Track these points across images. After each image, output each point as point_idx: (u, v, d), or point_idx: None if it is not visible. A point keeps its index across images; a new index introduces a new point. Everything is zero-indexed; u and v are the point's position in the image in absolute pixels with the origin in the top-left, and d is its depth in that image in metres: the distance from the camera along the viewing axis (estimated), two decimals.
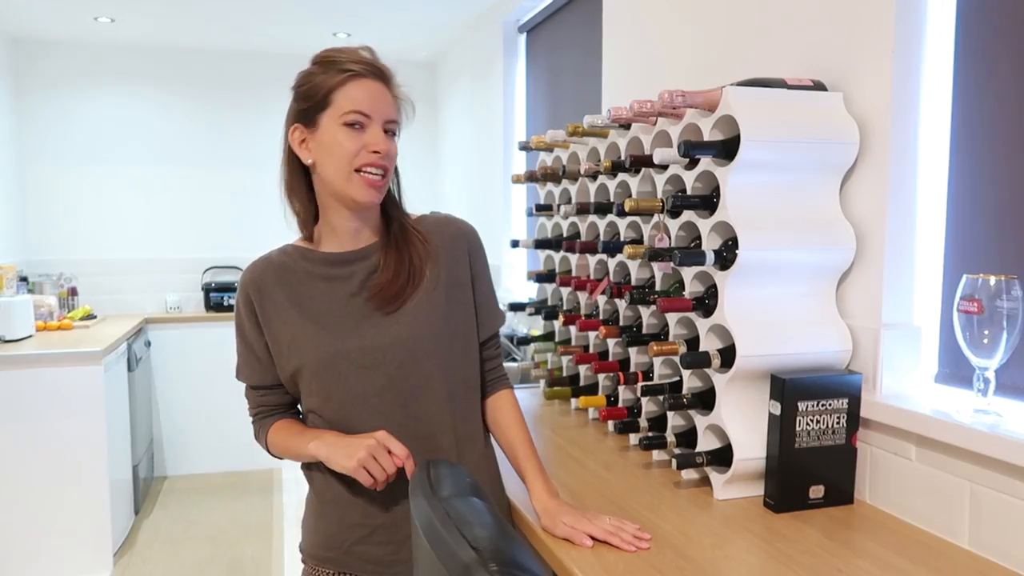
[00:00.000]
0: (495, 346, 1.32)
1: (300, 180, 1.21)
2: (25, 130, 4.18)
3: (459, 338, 1.23)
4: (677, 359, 1.39)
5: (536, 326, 2.55)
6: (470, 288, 1.26)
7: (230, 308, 4.20)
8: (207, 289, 4.24)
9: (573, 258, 1.86)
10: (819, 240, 1.27)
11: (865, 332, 1.26)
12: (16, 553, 3.01)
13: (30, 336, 3.36)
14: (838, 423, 1.23)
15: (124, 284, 4.24)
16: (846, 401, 1.23)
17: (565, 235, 1.90)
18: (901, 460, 1.20)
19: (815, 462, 1.22)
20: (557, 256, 1.95)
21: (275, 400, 1.26)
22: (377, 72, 1.17)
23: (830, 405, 1.22)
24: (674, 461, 1.27)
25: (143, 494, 3.83)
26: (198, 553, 3.31)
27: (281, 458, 1.27)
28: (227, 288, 4.25)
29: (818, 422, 1.22)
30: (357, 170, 1.14)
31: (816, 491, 1.23)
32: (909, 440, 1.19)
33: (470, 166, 3.96)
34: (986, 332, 1.09)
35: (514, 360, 2.61)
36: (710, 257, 1.25)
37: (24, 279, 3.86)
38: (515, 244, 2.06)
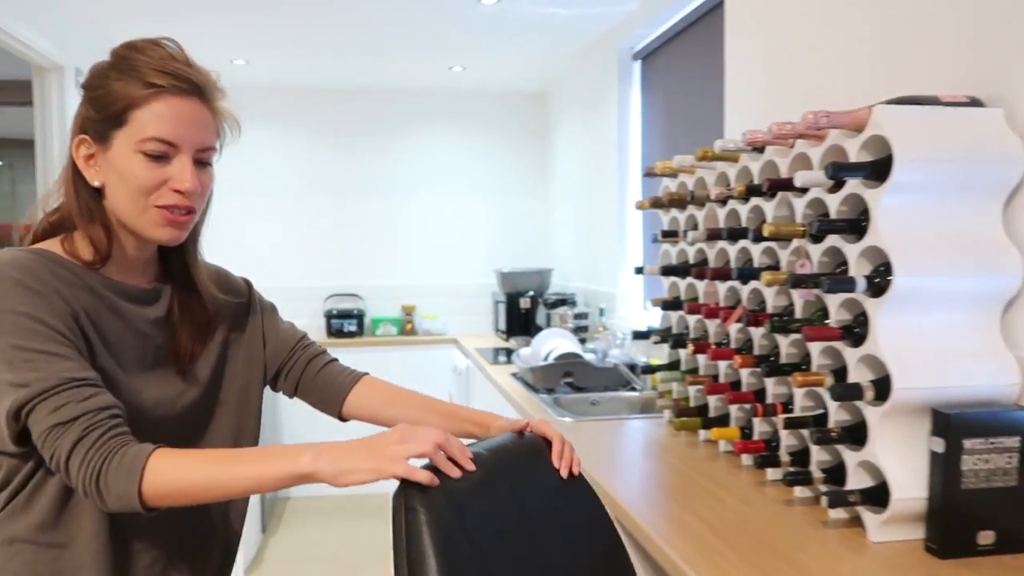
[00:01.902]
0: (310, 344, 1.23)
1: (87, 196, 0.97)
2: None
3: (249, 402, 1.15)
4: (823, 391, 1.33)
5: (656, 354, 2.50)
6: (261, 354, 1.17)
7: (350, 334, 4.35)
8: (328, 316, 4.41)
9: (700, 285, 1.82)
10: (980, 265, 1.19)
11: None
12: None
13: None
14: (1009, 463, 1.13)
15: None
16: (1019, 440, 1.13)
17: (692, 262, 1.86)
18: None
19: (984, 505, 1.13)
20: (683, 283, 1.91)
21: (112, 400, 0.90)
22: (191, 87, 0.96)
23: (1001, 443, 1.13)
24: (824, 499, 1.20)
25: (269, 513, 3.99)
26: (322, 574, 3.41)
27: (156, 505, 0.87)
28: (347, 315, 4.40)
29: (987, 462, 1.13)
30: (156, 206, 0.95)
31: (986, 537, 1.14)
32: None
33: (582, 194, 3.96)
34: None
35: (633, 389, 2.57)
36: (861, 284, 1.18)
37: None
38: (639, 271, 2.04)
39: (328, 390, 1.20)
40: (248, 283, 1.21)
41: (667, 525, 1.27)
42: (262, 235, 4.52)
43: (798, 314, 1.42)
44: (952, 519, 1.13)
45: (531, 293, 3.97)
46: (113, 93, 0.93)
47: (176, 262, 1.08)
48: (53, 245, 0.98)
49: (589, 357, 2.68)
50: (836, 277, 1.19)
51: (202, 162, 0.99)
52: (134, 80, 0.92)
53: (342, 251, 4.59)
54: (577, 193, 4.07)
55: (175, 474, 0.85)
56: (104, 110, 0.94)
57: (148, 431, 0.92)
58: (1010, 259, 1.19)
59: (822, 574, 1.08)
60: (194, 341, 1.06)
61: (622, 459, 1.70)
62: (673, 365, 1.97)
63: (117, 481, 0.84)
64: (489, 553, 0.91)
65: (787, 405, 1.46)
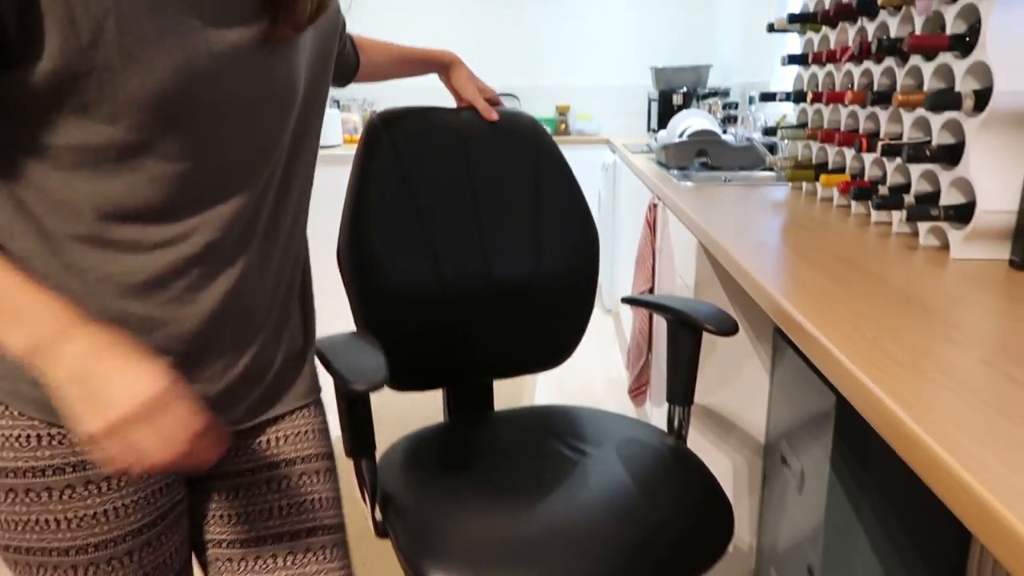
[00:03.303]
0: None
1: None
2: None
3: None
4: (927, 115, 1.26)
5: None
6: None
7: None
8: None
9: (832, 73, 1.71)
10: None
11: None
12: None
13: (338, 144, 3.98)
14: None
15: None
16: None
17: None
18: None
19: None
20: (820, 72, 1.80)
21: None
22: None
23: None
24: (905, 212, 1.18)
25: None
26: None
27: None
28: None
29: None
30: None
31: None
32: None
33: None
34: None
35: (769, 170, 2.50)
36: None
37: (336, 101, 4.44)
38: (788, 60, 1.92)
39: (342, 68, 1.15)
40: None
41: (752, 251, 1.30)
42: (418, 34, 4.62)
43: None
44: None
45: (684, 89, 3.84)
46: None
47: None
48: None
49: (727, 138, 2.61)
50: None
51: None
52: None
53: (496, 50, 4.61)
54: None
55: None
56: None
57: (205, 89, 0.69)
58: None
59: (900, 281, 1.08)
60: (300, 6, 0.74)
61: (733, 214, 1.72)
62: (799, 126, 1.90)
63: None
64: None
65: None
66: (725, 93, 3.55)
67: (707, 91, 3.61)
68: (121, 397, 0.59)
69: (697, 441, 1.75)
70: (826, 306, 0.93)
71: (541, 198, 1.38)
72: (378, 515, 1.12)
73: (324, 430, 0.95)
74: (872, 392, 0.68)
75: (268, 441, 0.89)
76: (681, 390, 1.29)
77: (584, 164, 4.36)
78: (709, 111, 3.26)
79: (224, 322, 0.78)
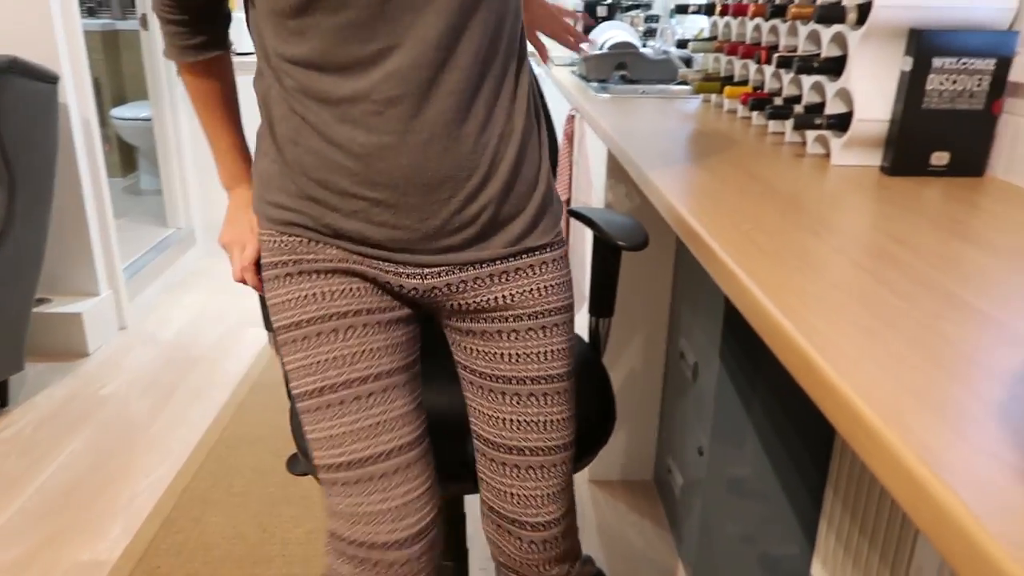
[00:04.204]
0: None
1: None
2: None
3: None
4: (816, 26, 1.33)
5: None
6: None
7: None
8: None
9: None
10: None
11: None
12: None
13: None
14: (978, 86, 1.15)
15: None
16: (993, 62, 1.13)
17: None
18: None
19: (944, 126, 1.17)
20: None
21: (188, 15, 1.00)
22: None
23: (971, 64, 1.14)
24: (792, 122, 1.26)
25: None
26: None
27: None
28: None
29: (954, 82, 1.14)
30: None
31: (939, 158, 1.19)
32: None
33: None
34: None
35: (685, 83, 2.56)
36: None
37: None
38: None
39: None
40: None
41: (655, 159, 1.37)
42: None
43: None
44: (909, 139, 1.17)
45: (609, 1, 3.83)
46: None
47: None
48: None
49: (646, 51, 2.65)
50: None
51: None
52: None
53: None
54: None
55: (191, 97, 1.05)
56: None
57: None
58: None
59: (781, 184, 1.16)
60: None
61: (642, 122, 1.77)
62: (710, 39, 1.96)
63: (169, 56, 1.03)
64: None
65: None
66: (647, 5, 3.56)
67: (630, 3, 3.61)
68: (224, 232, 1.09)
69: (611, 348, 1.86)
70: (710, 206, 1.00)
71: None
72: None
73: (560, 284, 1.01)
74: (736, 275, 0.77)
75: (503, 295, 0.98)
76: (603, 303, 1.36)
77: None
78: (631, 23, 3.28)
79: (421, 168, 0.87)
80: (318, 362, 0.93)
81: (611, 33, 2.69)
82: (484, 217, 0.92)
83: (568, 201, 2.35)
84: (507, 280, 0.97)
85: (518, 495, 1.01)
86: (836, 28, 1.27)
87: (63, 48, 2.44)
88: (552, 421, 1.00)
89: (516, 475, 1.01)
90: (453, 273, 0.95)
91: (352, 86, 0.84)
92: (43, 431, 2.20)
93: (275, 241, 0.97)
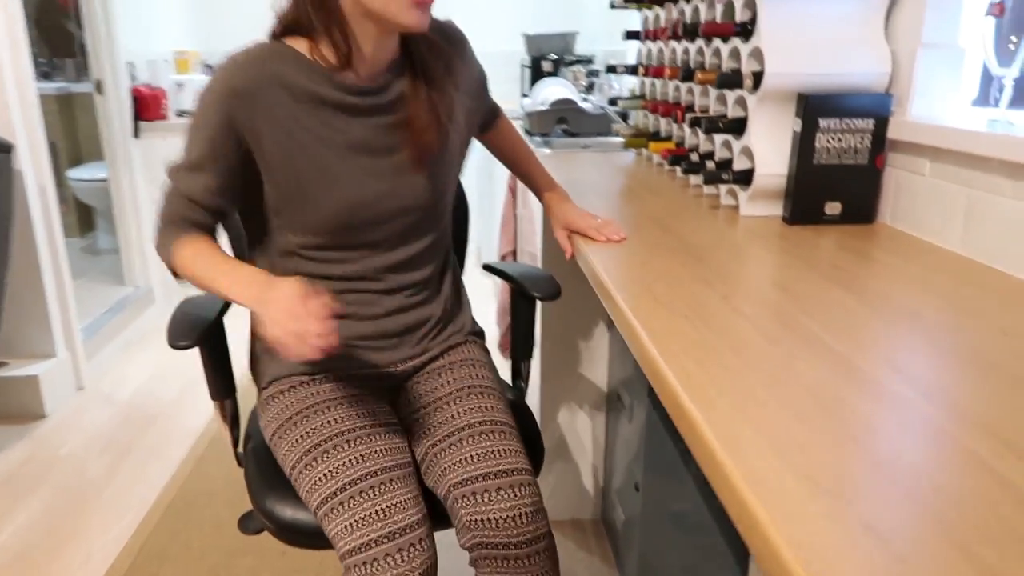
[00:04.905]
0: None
1: None
2: None
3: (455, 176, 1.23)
4: (725, 91, 1.46)
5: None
6: (480, 102, 1.26)
7: None
8: None
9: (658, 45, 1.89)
10: None
11: (905, 54, 1.27)
12: None
13: None
14: (861, 143, 1.27)
15: None
16: (872, 121, 1.27)
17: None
18: (917, 177, 1.25)
19: (834, 179, 1.29)
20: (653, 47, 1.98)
21: (203, 220, 1.08)
22: None
23: (854, 124, 1.27)
24: (702, 177, 1.38)
25: None
26: None
27: (179, 279, 1.10)
28: None
29: (839, 140, 1.27)
30: None
31: (832, 207, 1.31)
32: (924, 155, 1.23)
33: None
34: (1012, 38, 1.08)
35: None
36: None
37: (209, 66, 4.35)
38: (613, 6, 2.10)
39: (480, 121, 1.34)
40: (460, 31, 1.23)
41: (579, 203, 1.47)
42: None
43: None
44: (803, 191, 1.30)
45: (553, 56, 4.01)
46: None
47: (412, 49, 1.11)
48: (301, 44, 1.06)
49: (586, 106, 2.80)
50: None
51: None
52: None
53: None
54: None
55: (184, 266, 1.05)
56: None
57: (383, 221, 1.12)
58: None
59: (691, 236, 1.27)
60: (426, 136, 1.10)
61: (576, 176, 1.89)
62: (637, 97, 2.09)
63: (161, 254, 1.08)
64: None
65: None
66: (589, 60, 3.74)
67: (573, 58, 3.78)
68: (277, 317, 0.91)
69: (554, 394, 1.94)
70: (624, 260, 1.10)
71: None
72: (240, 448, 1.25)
73: (482, 362, 1.28)
74: (631, 323, 0.86)
75: (437, 369, 1.25)
76: (520, 345, 1.45)
77: None
78: (574, 78, 3.44)
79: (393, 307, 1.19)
80: (312, 429, 1.10)
81: (552, 90, 2.83)
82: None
83: (514, 252, 2.45)
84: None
85: (480, 453, 1.11)
86: (739, 92, 1.39)
87: (17, 116, 2.50)
88: (491, 406, 1.19)
89: (471, 441, 1.12)
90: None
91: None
92: None
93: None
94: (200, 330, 1.16)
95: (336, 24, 1.01)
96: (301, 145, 1.05)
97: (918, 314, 0.89)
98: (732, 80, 1.33)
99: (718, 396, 0.67)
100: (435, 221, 1.20)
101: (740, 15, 1.38)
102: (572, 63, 3.70)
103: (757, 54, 1.32)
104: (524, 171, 1.39)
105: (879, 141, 1.27)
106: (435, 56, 1.14)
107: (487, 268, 1.46)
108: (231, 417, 1.25)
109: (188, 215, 1.06)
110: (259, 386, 1.22)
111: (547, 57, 4.00)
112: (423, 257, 1.21)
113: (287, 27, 1.06)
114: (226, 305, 1.27)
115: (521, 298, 1.38)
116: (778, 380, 0.70)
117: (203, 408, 2.75)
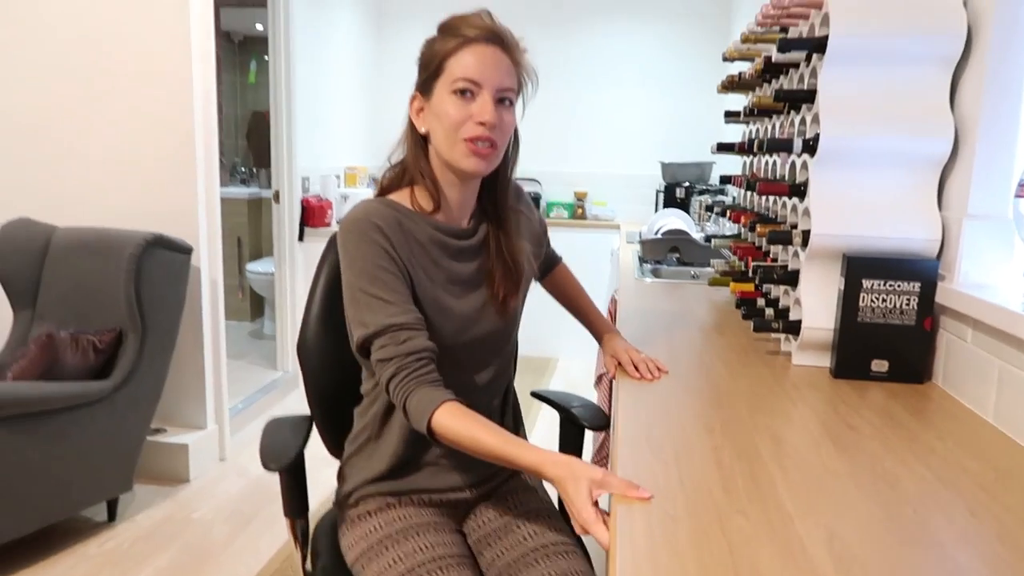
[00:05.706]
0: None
1: (420, 150, 1.20)
2: (382, 56, 5.16)
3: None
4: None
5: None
6: (541, 248, 1.44)
7: None
8: None
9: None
10: (915, 129, 1.31)
11: (954, 223, 1.29)
12: None
13: None
14: (907, 304, 1.30)
15: None
16: (918, 285, 1.29)
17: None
18: (960, 343, 1.25)
19: (879, 338, 1.31)
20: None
21: (423, 344, 1.11)
22: (493, 37, 1.13)
23: (899, 287, 1.30)
24: (752, 323, 1.44)
25: None
26: None
27: (438, 440, 1.09)
28: None
29: (884, 300, 1.30)
30: (464, 139, 1.12)
31: (879, 364, 1.32)
32: (966, 323, 1.23)
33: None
34: None
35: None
36: (797, 144, 1.37)
37: (375, 179, 4.89)
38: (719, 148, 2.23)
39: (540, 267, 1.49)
40: (522, 189, 1.38)
41: (642, 346, 1.58)
42: None
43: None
44: (848, 347, 1.33)
45: (687, 184, 4.15)
46: (434, 52, 1.14)
47: (489, 202, 1.27)
48: (402, 196, 1.22)
49: (698, 236, 2.89)
50: (775, 140, 1.39)
51: (503, 100, 1.14)
52: (450, 37, 1.13)
53: (523, 138, 5.00)
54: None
55: (452, 430, 1.04)
56: (428, 67, 1.15)
57: (476, 358, 1.24)
58: (944, 124, 1.30)
59: (746, 380, 1.32)
60: (506, 281, 1.24)
61: (661, 308, 1.98)
62: (733, 237, 2.18)
63: (414, 415, 1.08)
64: None
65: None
66: (721, 191, 3.84)
67: (704, 187, 3.90)
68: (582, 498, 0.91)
69: None
70: (646, 395, 1.20)
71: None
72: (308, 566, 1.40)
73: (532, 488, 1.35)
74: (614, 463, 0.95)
75: (503, 494, 1.32)
76: None
77: (600, 246, 4.67)
78: (700, 206, 3.55)
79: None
80: (404, 554, 1.16)
81: (665, 220, 2.96)
82: None
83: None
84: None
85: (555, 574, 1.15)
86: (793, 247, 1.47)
87: (202, 220, 2.97)
88: (560, 527, 1.25)
89: (547, 562, 1.17)
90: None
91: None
92: (137, 547, 2.51)
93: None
94: (288, 459, 1.32)
95: (428, 174, 1.19)
96: (417, 276, 1.17)
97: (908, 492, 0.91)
98: (783, 237, 1.41)
99: (652, 546, 0.76)
100: (504, 346, 1.30)
101: (799, 176, 1.47)
102: (703, 192, 3.82)
103: (808, 212, 1.40)
104: (583, 315, 1.52)
105: (927, 303, 1.29)
106: (505, 207, 1.28)
107: (535, 395, 1.57)
108: (302, 534, 1.40)
109: (406, 346, 1.09)
110: (344, 503, 1.30)
111: (681, 184, 4.15)
112: (493, 382, 1.30)
113: (385, 188, 1.25)
114: (308, 434, 1.43)
115: (570, 425, 1.49)
116: (706, 532, 0.77)
117: (316, 492, 2.99)
